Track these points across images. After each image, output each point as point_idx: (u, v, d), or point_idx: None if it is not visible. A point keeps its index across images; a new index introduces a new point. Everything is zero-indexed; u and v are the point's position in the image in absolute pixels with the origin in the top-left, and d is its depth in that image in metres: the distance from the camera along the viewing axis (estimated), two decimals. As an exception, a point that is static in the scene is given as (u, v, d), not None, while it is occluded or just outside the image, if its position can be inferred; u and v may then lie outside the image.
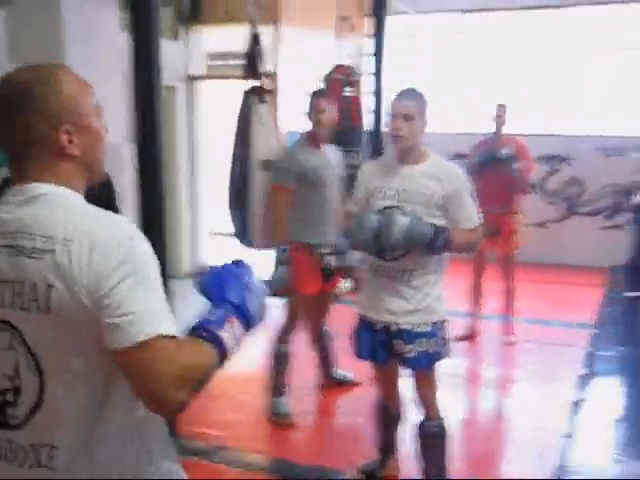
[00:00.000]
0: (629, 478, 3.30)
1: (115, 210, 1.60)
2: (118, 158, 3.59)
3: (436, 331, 2.81)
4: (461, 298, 5.07)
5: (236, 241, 4.22)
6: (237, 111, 4.26)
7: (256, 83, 4.27)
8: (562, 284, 7.08)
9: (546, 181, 7.97)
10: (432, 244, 2.66)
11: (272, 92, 4.52)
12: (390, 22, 5.90)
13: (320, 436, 3.85)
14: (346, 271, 3.88)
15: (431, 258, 2.76)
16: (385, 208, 2.75)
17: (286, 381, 3.87)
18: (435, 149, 2.87)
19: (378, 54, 5.62)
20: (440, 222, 2.71)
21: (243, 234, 4.10)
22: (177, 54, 6.67)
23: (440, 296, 2.84)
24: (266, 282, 3.61)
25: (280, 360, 3.84)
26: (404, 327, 2.80)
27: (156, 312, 1.20)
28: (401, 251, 2.72)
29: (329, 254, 3.77)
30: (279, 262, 3.61)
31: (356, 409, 3.97)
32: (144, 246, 1.24)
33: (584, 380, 4.41)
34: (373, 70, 5.65)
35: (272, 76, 6.31)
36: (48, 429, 1.24)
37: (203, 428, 3.72)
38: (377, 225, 2.67)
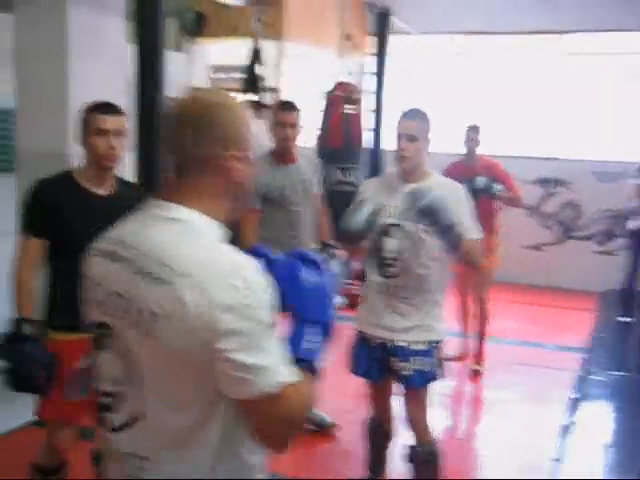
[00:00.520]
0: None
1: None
2: (122, 168, 3.59)
3: (432, 351, 2.81)
4: (450, 317, 5.08)
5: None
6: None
7: (255, 98, 4.30)
8: (555, 307, 7.11)
9: (542, 204, 8.02)
10: (451, 228, 2.62)
11: (269, 107, 4.54)
12: (392, 42, 5.99)
13: (307, 451, 3.84)
14: None
15: (431, 276, 2.76)
16: (385, 225, 2.77)
17: None
18: (437, 169, 2.93)
19: (380, 73, 5.68)
20: None
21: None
22: (180, 66, 6.72)
23: (439, 316, 2.84)
24: None
25: None
26: (400, 344, 2.80)
27: (274, 362, 1.19)
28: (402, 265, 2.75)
29: None
30: None
31: (345, 426, 3.96)
32: (261, 291, 1.21)
33: (574, 404, 4.42)
34: (374, 88, 5.71)
35: (274, 91, 6.38)
36: (141, 442, 1.27)
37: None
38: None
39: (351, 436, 3.94)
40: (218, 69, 7.36)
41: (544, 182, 7.98)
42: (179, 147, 1.29)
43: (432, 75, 8.33)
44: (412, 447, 2.91)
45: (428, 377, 2.82)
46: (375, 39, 5.67)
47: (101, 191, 2.55)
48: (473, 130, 4.82)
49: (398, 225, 2.75)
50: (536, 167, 7.98)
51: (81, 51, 4.06)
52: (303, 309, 1.34)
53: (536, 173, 7.98)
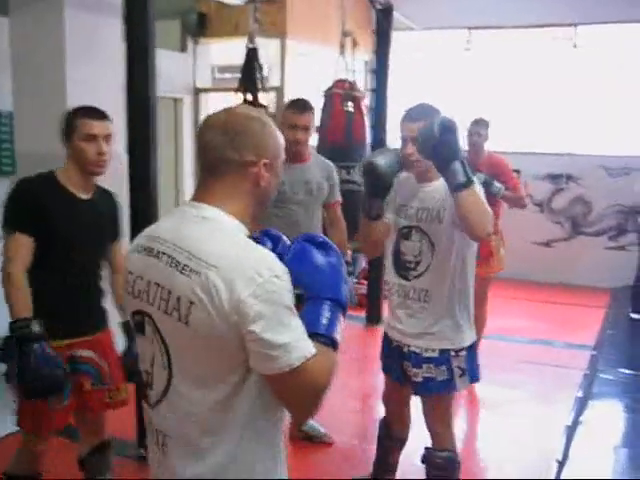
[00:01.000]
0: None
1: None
2: (118, 168, 3.58)
3: (445, 359, 2.71)
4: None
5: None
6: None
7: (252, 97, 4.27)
8: (566, 304, 7.02)
9: (552, 200, 7.94)
10: (456, 155, 2.42)
11: (266, 107, 4.50)
12: (396, 38, 5.93)
13: (304, 453, 3.81)
14: None
15: (448, 279, 2.67)
16: (404, 228, 2.74)
17: None
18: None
19: (383, 70, 5.63)
20: (461, 234, 2.58)
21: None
22: (184, 66, 6.72)
23: (457, 323, 2.72)
24: None
25: None
26: (413, 349, 2.75)
27: (298, 339, 1.32)
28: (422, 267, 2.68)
29: None
30: None
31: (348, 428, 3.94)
32: (283, 279, 1.34)
33: (581, 403, 4.35)
34: (378, 86, 5.65)
35: (278, 90, 6.35)
36: (166, 420, 1.43)
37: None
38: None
39: (351, 437, 3.92)
40: (223, 69, 7.35)
41: (554, 178, 7.90)
42: (215, 150, 1.42)
43: (439, 71, 8.27)
44: (427, 449, 2.87)
45: (441, 386, 2.73)
46: (378, 36, 5.60)
47: (84, 195, 2.53)
48: (477, 124, 4.61)
49: (417, 227, 2.69)
50: (546, 162, 7.90)
51: (78, 53, 4.05)
52: (318, 288, 1.42)
53: (546, 169, 7.90)
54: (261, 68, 4.47)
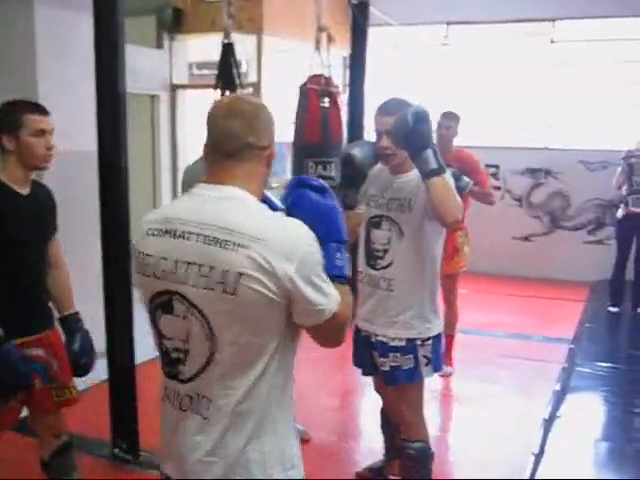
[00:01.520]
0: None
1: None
2: (90, 165, 3.54)
3: (412, 348, 2.74)
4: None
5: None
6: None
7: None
8: (544, 298, 7.05)
9: (530, 195, 7.97)
10: (428, 143, 2.50)
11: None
12: (374, 33, 5.90)
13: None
14: None
15: (416, 268, 2.70)
16: (374, 217, 2.76)
17: None
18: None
19: (359, 65, 5.60)
20: (431, 224, 2.62)
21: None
22: (160, 63, 6.65)
23: (424, 313, 2.75)
24: None
25: None
26: (380, 339, 2.78)
27: (330, 293, 1.51)
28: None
29: None
30: None
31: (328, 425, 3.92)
32: (316, 245, 1.50)
33: (558, 396, 4.36)
34: (355, 81, 5.63)
35: (254, 86, 6.30)
36: (209, 386, 1.51)
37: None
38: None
39: (329, 434, 3.90)
40: (200, 66, 7.29)
41: (532, 172, 7.93)
42: (233, 135, 1.52)
43: (417, 67, 8.27)
44: (399, 442, 2.89)
45: (407, 375, 2.75)
46: (355, 31, 5.58)
47: (24, 191, 2.48)
48: (446, 117, 4.54)
49: (387, 216, 2.72)
50: (524, 157, 7.93)
51: (49, 49, 4.01)
52: (324, 233, 1.55)
53: (524, 163, 7.93)
54: (238, 64, 4.41)
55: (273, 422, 1.55)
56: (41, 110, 2.46)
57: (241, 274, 1.42)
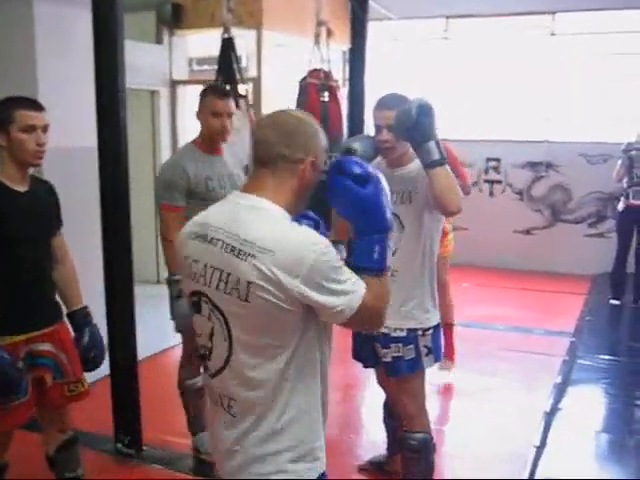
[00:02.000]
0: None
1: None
2: (90, 161, 3.54)
3: (413, 338, 2.77)
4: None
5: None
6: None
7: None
8: (546, 291, 7.06)
9: (531, 188, 7.96)
10: (432, 136, 2.53)
11: (246, 98, 4.45)
12: (374, 28, 5.90)
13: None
14: None
15: (416, 259, 2.72)
16: None
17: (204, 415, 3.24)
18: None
19: (359, 59, 5.59)
20: (430, 215, 2.68)
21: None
22: (160, 59, 6.65)
23: (424, 303, 2.78)
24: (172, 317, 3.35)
25: (190, 395, 3.37)
26: (382, 330, 2.74)
27: (351, 286, 1.53)
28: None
29: None
30: (176, 296, 3.09)
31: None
32: (328, 248, 1.51)
33: (559, 389, 4.37)
34: (355, 75, 5.62)
35: (255, 81, 6.30)
36: (230, 385, 1.59)
37: (167, 437, 3.69)
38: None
39: (332, 427, 3.90)
40: (200, 61, 7.28)
41: (533, 165, 7.92)
42: (269, 146, 1.58)
43: (417, 60, 8.26)
44: (401, 433, 2.91)
45: (409, 365, 2.78)
46: (354, 25, 5.57)
47: (21, 188, 2.46)
48: None
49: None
50: (525, 150, 7.92)
51: (49, 46, 4.00)
52: (365, 224, 1.60)
53: (525, 157, 7.92)
54: (238, 59, 4.41)
55: (293, 420, 1.59)
56: (34, 106, 2.42)
57: (250, 283, 1.48)
